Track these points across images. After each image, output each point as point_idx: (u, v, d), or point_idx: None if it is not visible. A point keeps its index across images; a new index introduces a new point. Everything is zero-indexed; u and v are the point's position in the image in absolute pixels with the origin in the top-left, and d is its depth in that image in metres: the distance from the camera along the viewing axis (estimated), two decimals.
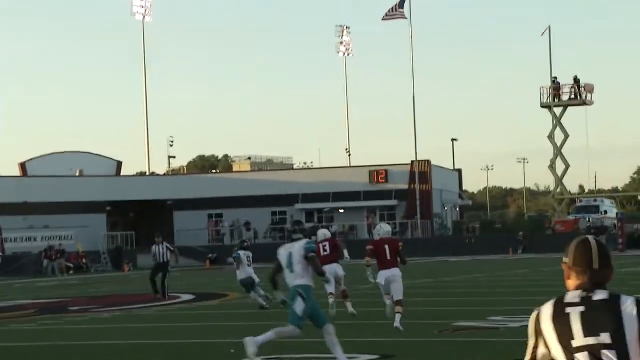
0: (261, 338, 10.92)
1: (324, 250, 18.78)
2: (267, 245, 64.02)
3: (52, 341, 16.12)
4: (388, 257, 15.68)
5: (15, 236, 60.54)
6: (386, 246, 15.74)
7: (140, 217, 72.50)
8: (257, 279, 21.58)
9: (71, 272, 55.76)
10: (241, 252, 22.28)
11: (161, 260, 25.61)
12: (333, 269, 18.66)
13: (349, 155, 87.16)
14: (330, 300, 18.21)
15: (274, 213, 69.28)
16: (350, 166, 77.54)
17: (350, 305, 18.58)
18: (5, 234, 59.41)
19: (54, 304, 26.44)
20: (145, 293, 29.23)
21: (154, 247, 25.99)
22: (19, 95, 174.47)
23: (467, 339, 14.07)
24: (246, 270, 21.91)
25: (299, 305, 10.84)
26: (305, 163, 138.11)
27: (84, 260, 57.90)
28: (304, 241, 11.12)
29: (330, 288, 18.27)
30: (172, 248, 26.37)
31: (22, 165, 69.84)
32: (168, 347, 14.45)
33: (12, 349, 15.44)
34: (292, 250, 11.04)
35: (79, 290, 34.60)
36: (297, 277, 10.96)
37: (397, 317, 15.27)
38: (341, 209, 67.75)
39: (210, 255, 61.90)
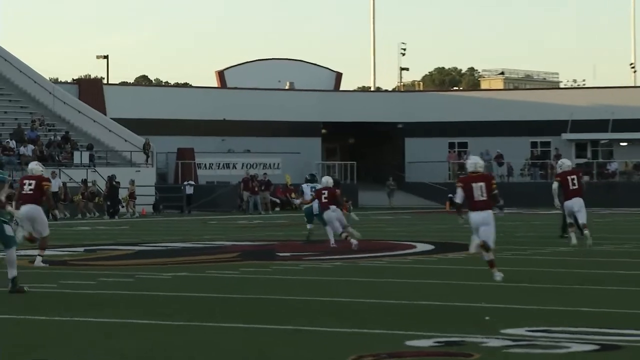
0: None
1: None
2: (525, 185, 63.68)
3: (256, 294, 16.42)
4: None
5: (211, 162, 61.82)
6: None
7: (362, 144, 73.33)
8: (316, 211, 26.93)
9: (277, 209, 57.19)
10: (305, 186, 30.30)
11: None
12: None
13: (635, 72, 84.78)
14: None
15: (534, 144, 68.66)
16: (636, 86, 75.59)
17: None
18: (198, 159, 60.44)
19: (259, 247, 27.02)
20: (372, 239, 29.44)
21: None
22: None
23: None
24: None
25: None
26: (575, 81, 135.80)
27: (293, 195, 59.11)
28: None
29: None
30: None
31: (220, 74, 71.68)
32: (400, 308, 14.38)
33: (211, 300, 15.82)
34: None
35: (288, 231, 35.29)
36: None
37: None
38: (624, 141, 66.25)
39: (451, 194, 61.82)
